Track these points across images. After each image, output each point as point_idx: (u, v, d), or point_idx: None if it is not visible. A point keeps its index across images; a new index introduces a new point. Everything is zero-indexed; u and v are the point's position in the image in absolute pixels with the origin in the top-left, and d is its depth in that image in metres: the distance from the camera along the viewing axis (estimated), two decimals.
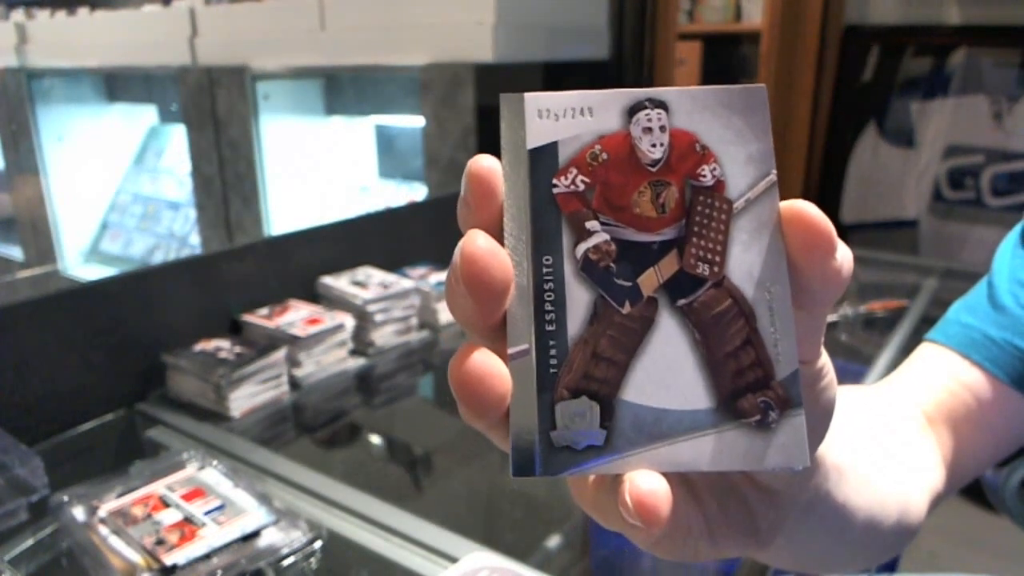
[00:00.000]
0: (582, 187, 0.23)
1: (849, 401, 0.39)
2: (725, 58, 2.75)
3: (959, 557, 1.40)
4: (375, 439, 0.98)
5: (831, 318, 1.19)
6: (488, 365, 0.21)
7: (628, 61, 1.79)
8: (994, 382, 0.45)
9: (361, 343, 1.10)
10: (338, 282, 1.15)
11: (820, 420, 0.26)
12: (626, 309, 0.22)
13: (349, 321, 1.05)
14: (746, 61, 2.69)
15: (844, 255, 0.22)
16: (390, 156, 2.19)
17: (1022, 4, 1.62)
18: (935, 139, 1.75)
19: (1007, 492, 0.83)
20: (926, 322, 1.14)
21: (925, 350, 0.49)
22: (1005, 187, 1.69)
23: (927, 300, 1.25)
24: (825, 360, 0.25)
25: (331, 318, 1.04)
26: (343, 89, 2.08)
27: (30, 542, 0.68)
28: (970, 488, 0.50)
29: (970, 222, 1.73)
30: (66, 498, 0.69)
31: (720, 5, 2.75)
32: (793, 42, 1.82)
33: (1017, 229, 0.49)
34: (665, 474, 0.21)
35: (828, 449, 0.30)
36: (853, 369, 1.02)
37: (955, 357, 0.47)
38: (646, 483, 0.21)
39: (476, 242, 0.21)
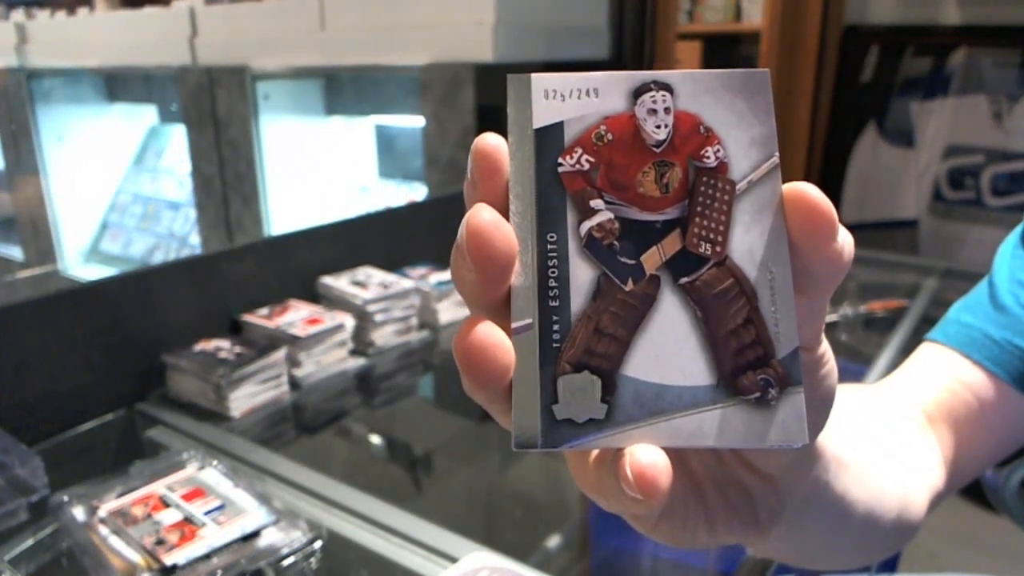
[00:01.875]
0: (587, 167, 0.23)
1: (849, 399, 0.39)
2: (725, 58, 2.75)
3: (959, 557, 1.40)
4: (375, 439, 0.98)
5: (831, 318, 1.19)
6: (492, 337, 0.21)
7: (628, 61, 1.79)
8: (995, 381, 0.46)
9: (361, 343, 1.10)
10: (338, 282, 1.15)
11: (820, 407, 0.26)
12: (629, 286, 0.23)
13: (349, 321, 1.05)
14: (746, 61, 2.70)
15: (845, 239, 0.22)
16: (390, 156, 2.19)
17: (1021, 4, 1.62)
18: (935, 139, 1.76)
19: (1007, 492, 0.83)
20: (926, 322, 1.14)
21: (925, 350, 0.50)
22: (1005, 187, 1.69)
23: (927, 300, 1.26)
24: (826, 348, 0.25)
25: (331, 318, 1.04)
26: (343, 89, 2.08)
27: (30, 542, 0.69)
28: (970, 488, 0.50)
29: (970, 222, 1.73)
30: (66, 498, 0.69)
31: (720, 5, 2.76)
32: (793, 42, 1.82)
33: (1018, 230, 0.50)
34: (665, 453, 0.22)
35: (828, 441, 0.30)
36: (853, 369, 1.02)
37: (956, 356, 0.47)
38: (646, 456, 0.21)
39: (481, 215, 0.21)
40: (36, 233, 2.81)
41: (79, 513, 0.67)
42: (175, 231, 2.71)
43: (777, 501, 0.28)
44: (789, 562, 0.37)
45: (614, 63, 1.79)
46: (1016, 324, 0.46)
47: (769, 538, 0.29)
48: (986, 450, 0.47)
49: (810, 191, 0.22)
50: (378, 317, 1.10)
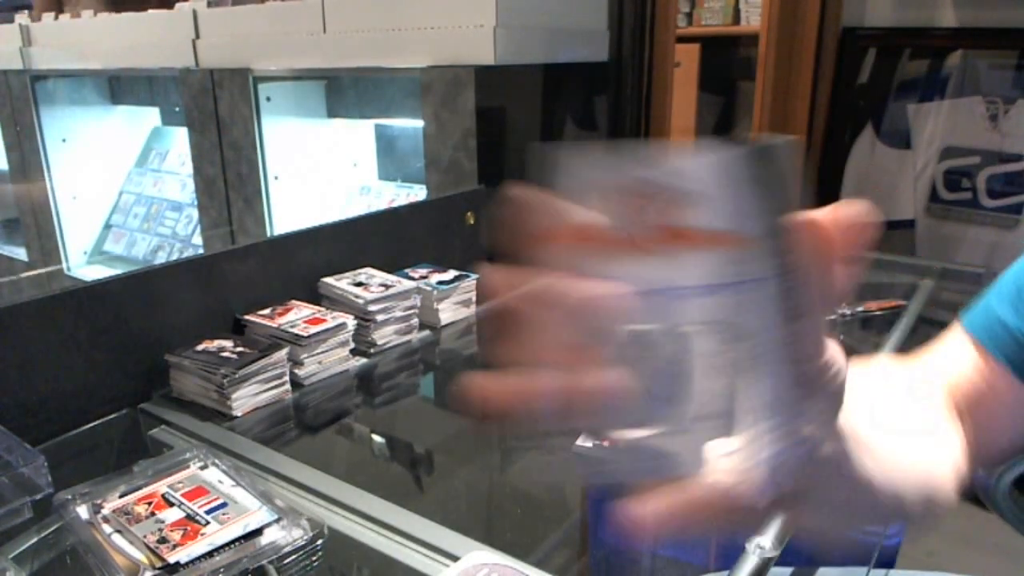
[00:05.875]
0: None
1: (874, 377, 0.41)
2: (723, 60, 2.76)
3: (958, 557, 1.40)
4: (376, 438, 0.98)
5: (828, 317, 1.19)
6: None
7: (627, 63, 1.79)
8: (1003, 372, 0.46)
9: (362, 343, 1.11)
10: (339, 282, 1.16)
11: (831, 403, 0.29)
12: None
13: (350, 321, 1.06)
14: (744, 63, 2.70)
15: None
16: (391, 158, 2.20)
17: (1018, 6, 1.63)
18: (931, 140, 1.76)
19: (998, 493, 0.83)
20: (923, 322, 1.15)
21: (955, 331, 0.50)
22: (1001, 188, 1.69)
23: (923, 300, 1.26)
24: (831, 354, 0.27)
25: (333, 318, 1.05)
26: (344, 91, 2.09)
27: (34, 540, 0.69)
28: (968, 487, 0.50)
29: (966, 223, 1.73)
30: (70, 496, 0.69)
31: (718, 8, 2.77)
32: (791, 44, 1.82)
33: None
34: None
35: (851, 423, 0.32)
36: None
37: (973, 342, 0.47)
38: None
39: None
40: (40, 234, 2.82)
41: (83, 511, 0.68)
42: (178, 232, 2.72)
43: (804, 478, 0.29)
44: (822, 532, 0.38)
45: (613, 65, 1.79)
46: None
47: (802, 512, 0.31)
48: (1004, 437, 0.47)
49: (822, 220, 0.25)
50: (379, 317, 1.11)
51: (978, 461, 0.46)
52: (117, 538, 0.64)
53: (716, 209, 0.23)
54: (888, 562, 0.90)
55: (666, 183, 0.23)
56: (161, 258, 2.71)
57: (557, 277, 0.23)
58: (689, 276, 0.24)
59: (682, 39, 2.44)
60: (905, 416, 0.41)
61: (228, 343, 0.98)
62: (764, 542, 0.52)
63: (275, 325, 1.02)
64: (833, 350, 0.27)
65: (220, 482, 0.72)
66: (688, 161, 0.23)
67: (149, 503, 0.69)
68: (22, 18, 2.73)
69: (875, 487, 0.34)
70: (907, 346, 1.03)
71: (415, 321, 1.17)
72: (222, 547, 0.63)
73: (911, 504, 0.38)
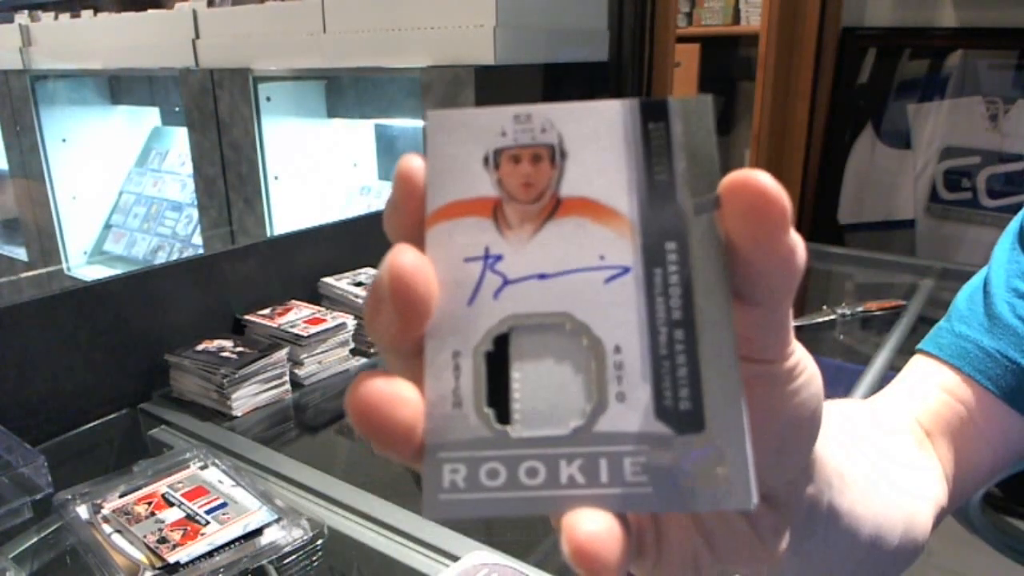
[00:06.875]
0: None
1: (843, 414, 0.37)
2: (723, 60, 2.76)
3: (956, 557, 1.40)
4: None
5: (828, 317, 1.19)
6: (391, 390, 0.19)
7: (627, 63, 1.79)
8: (986, 395, 0.44)
9: (362, 343, 1.11)
10: (339, 282, 1.16)
11: (799, 422, 0.23)
12: None
13: (350, 321, 1.06)
14: (744, 63, 2.70)
15: (796, 236, 0.19)
16: (391, 158, 2.20)
17: (1018, 6, 1.63)
18: (931, 140, 1.76)
19: (970, 508, 0.83)
20: (923, 322, 1.15)
21: (918, 363, 0.48)
22: (1001, 188, 1.69)
23: (924, 300, 1.26)
24: (799, 358, 0.22)
25: (332, 318, 1.05)
26: (344, 91, 2.09)
27: (34, 540, 0.69)
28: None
29: (966, 223, 1.74)
30: (70, 496, 0.70)
31: (718, 7, 2.77)
32: (791, 44, 1.83)
33: (1011, 231, 0.47)
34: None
35: (827, 453, 0.28)
36: (850, 368, 1.03)
37: (947, 369, 0.46)
38: (587, 525, 0.17)
39: (403, 257, 0.19)
40: (40, 234, 2.82)
41: (83, 511, 0.68)
42: (178, 232, 2.72)
43: (779, 520, 0.26)
44: None
45: (613, 65, 1.79)
46: (1009, 335, 0.44)
47: (778, 562, 0.26)
48: (985, 464, 0.45)
49: (759, 178, 0.18)
50: None
51: (960, 488, 0.44)
52: (117, 538, 0.64)
53: (586, 171, 0.19)
54: None
55: (536, 136, 0.20)
56: (161, 258, 2.71)
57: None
58: (539, 256, 0.19)
59: (682, 39, 2.44)
60: (880, 454, 0.38)
61: (228, 343, 0.98)
62: None
63: (275, 325, 1.02)
64: (801, 357, 0.22)
65: (220, 482, 0.73)
66: (564, 111, 0.20)
67: (149, 503, 0.69)
68: (22, 18, 2.73)
69: (858, 527, 0.31)
70: (907, 346, 1.03)
71: None
72: (222, 547, 0.63)
73: (891, 547, 0.35)
